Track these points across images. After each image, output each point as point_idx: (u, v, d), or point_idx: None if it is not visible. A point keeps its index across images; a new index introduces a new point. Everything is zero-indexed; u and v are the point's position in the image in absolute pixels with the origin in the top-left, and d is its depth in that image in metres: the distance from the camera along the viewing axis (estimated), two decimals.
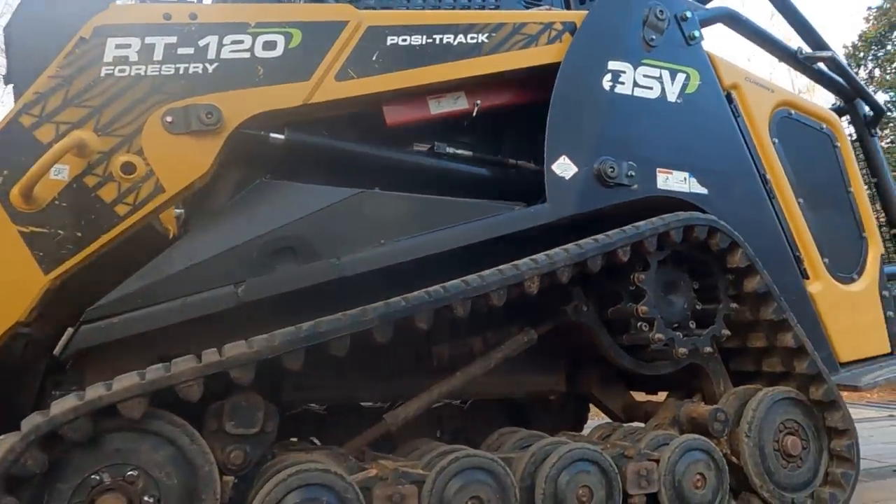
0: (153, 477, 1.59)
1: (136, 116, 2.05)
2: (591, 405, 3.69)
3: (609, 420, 3.02)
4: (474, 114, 2.54)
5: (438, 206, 2.32)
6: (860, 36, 15.28)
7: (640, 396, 3.07)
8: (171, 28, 2.12)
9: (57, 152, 1.91)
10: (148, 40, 2.09)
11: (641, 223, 2.32)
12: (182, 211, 2.84)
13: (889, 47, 14.72)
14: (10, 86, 2.15)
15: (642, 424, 2.75)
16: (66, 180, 1.98)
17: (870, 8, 15.54)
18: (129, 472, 1.57)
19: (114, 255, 2.06)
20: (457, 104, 2.54)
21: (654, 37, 2.61)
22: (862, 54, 15.06)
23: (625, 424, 2.73)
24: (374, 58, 2.31)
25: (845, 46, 14.99)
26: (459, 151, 2.54)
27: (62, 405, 1.48)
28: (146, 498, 1.58)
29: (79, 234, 1.98)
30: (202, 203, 2.27)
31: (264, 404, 1.77)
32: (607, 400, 2.94)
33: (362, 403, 2.98)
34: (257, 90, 2.17)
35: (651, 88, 2.58)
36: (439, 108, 2.52)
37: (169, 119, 2.07)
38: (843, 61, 3.25)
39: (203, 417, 1.75)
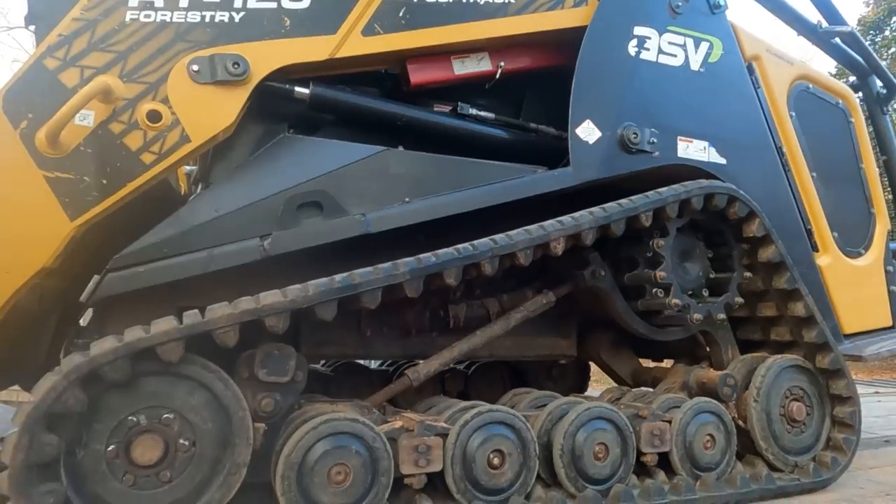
0: (189, 420, 1.61)
1: (161, 64, 2.02)
2: (590, 374, 3.77)
3: (616, 385, 3.08)
4: (497, 76, 2.53)
5: (461, 167, 2.32)
6: (859, 20, 15.28)
7: (646, 364, 3.13)
8: None
9: (83, 97, 1.88)
10: None
11: (663, 189, 2.34)
12: (194, 168, 2.82)
13: (887, 32, 14.73)
14: (32, 28, 2.09)
15: (650, 389, 2.81)
16: (92, 126, 1.95)
17: None
18: (166, 415, 1.59)
19: (130, 210, 2.05)
20: (480, 65, 2.52)
21: (679, 4, 2.59)
22: None
23: (633, 389, 2.79)
24: (400, 14, 2.27)
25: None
26: (482, 113, 2.54)
27: (102, 346, 1.49)
28: (182, 441, 1.60)
29: (104, 182, 1.96)
30: (224, 156, 2.25)
31: (295, 354, 1.79)
32: (616, 365, 3.00)
33: (374, 363, 3.02)
34: (283, 42, 2.13)
35: (675, 56, 2.57)
36: (463, 68, 2.50)
37: (195, 68, 2.03)
38: (860, 37, 3.26)
39: (234, 365, 1.77)
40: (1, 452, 1.38)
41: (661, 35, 2.55)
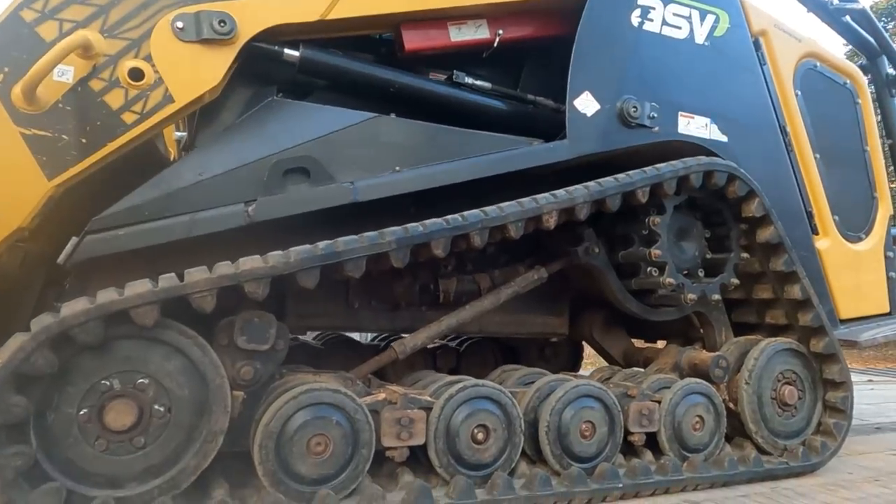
0: (164, 386, 1.57)
1: (144, 19, 1.94)
2: (583, 354, 3.74)
3: (607, 364, 3.05)
4: (495, 44, 2.45)
5: (455, 137, 2.25)
6: (871, 7, 15.02)
7: (638, 344, 3.10)
8: None
9: (61, 51, 1.80)
10: None
11: (662, 165, 2.28)
12: (184, 134, 2.74)
13: None
14: None
15: (641, 369, 2.78)
16: (71, 83, 1.88)
17: None
18: (140, 380, 1.55)
19: (114, 175, 1.98)
20: (478, 33, 2.44)
21: None
22: None
23: (624, 369, 2.76)
24: None
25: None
26: (478, 83, 2.46)
27: (73, 307, 1.44)
28: (157, 406, 1.56)
29: (83, 141, 1.89)
30: (211, 119, 2.18)
31: (276, 322, 1.74)
32: (608, 345, 2.96)
33: (368, 337, 2.98)
34: (273, 0, 2.05)
35: (679, 28, 2.49)
36: (460, 35, 2.41)
37: (179, 25, 1.95)
38: (872, 15, 3.16)
39: (213, 331, 1.72)
40: None
41: (665, 5, 2.47)
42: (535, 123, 2.51)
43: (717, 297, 2.42)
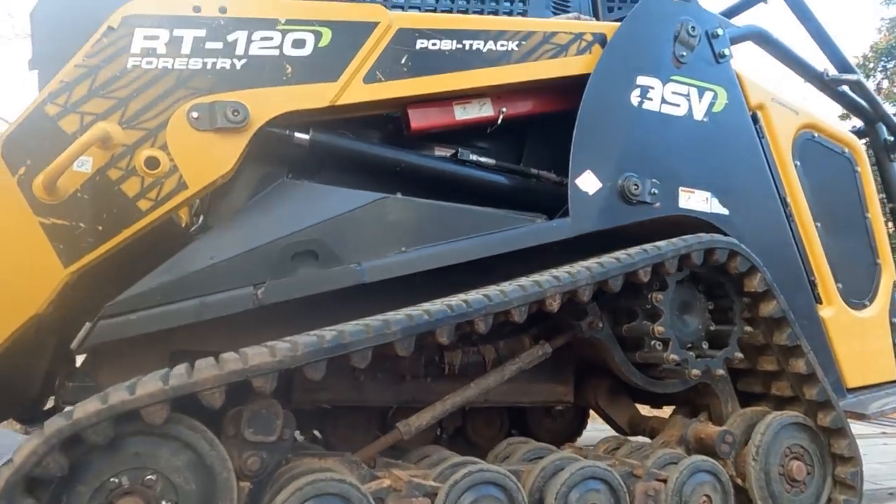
0: (172, 482, 1.59)
1: (161, 110, 2.02)
2: (589, 412, 3.73)
3: (614, 432, 3.03)
4: (499, 121, 2.52)
5: (460, 215, 2.31)
6: (871, 47, 15.26)
7: (644, 409, 3.09)
8: (201, 21, 2.08)
9: (82, 144, 1.89)
10: (176, 32, 2.06)
11: (662, 243, 2.31)
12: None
13: None
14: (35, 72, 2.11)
15: (647, 439, 2.77)
16: (89, 173, 1.96)
17: (883, 19, 15.50)
18: (148, 477, 1.57)
19: (130, 246, 2.04)
20: (482, 111, 2.52)
21: (684, 53, 2.58)
22: (872, 65, 15.06)
23: (631, 438, 2.74)
24: (402, 61, 2.28)
25: (856, 57, 14.96)
26: (482, 159, 2.53)
27: (85, 408, 1.47)
28: (164, 502, 1.57)
29: (100, 228, 1.96)
30: (222, 199, 2.24)
31: (283, 412, 1.77)
32: (613, 413, 2.95)
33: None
34: (285, 89, 2.14)
35: (678, 105, 2.56)
36: (465, 114, 2.50)
37: (195, 115, 2.04)
38: (868, 85, 3.23)
39: (221, 423, 1.75)
40: None
41: (664, 85, 2.54)
42: (539, 197, 2.57)
43: (721, 372, 2.42)
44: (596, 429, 4.05)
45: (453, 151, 2.54)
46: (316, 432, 3.05)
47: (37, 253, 1.89)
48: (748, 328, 2.50)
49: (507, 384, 2.55)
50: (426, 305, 1.95)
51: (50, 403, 2.88)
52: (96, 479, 1.52)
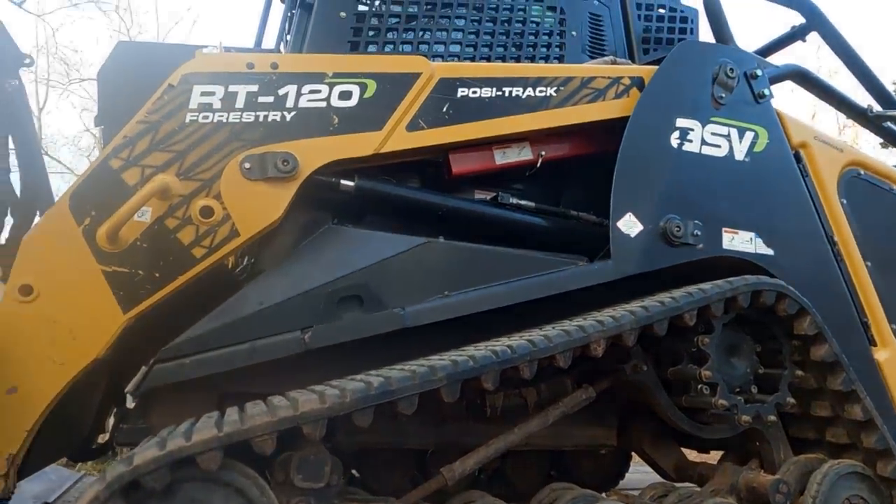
0: None
1: (216, 162, 2.12)
2: (631, 456, 3.64)
3: (657, 475, 2.95)
4: (538, 165, 2.56)
5: (501, 258, 2.33)
6: None
7: (691, 454, 3.00)
8: (254, 77, 2.19)
9: (143, 196, 1.99)
10: (231, 88, 2.17)
11: (707, 286, 2.28)
12: None
13: None
14: (99, 128, 2.24)
15: (695, 486, 2.68)
16: (149, 222, 2.05)
17: None
18: None
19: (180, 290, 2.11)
20: (521, 155, 2.56)
21: (723, 94, 2.59)
22: None
23: (678, 485, 2.66)
24: (444, 109, 2.35)
25: (894, 83, 14.65)
26: (522, 202, 2.56)
27: (144, 455, 1.52)
28: None
29: (157, 275, 2.04)
30: (270, 244, 2.31)
31: (331, 458, 1.78)
32: (659, 457, 2.88)
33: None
34: (332, 139, 2.22)
35: (719, 147, 2.56)
36: (504, 158, 2.54)
37: (247, 165, 2.13)
38: None
39: (269, 468, 1.77)
40: None
41: (704, 126, 2.55)
42: (579, 239, 2.57)
43: (772, 418, 2.35)
44: (638, 470, 3.94)
45: (494, 195, 2.57)
46: (354, 472, 3.05)
47: (98, 299, 1.98)
48: (799, 372, 2.43)
49: (549, 428, 2.53)
50: (471, 350, 1.96)
51: (99, 440, 2.97)
52: None
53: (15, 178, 2.62)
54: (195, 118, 2.12)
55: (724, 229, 2.49)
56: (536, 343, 1.97)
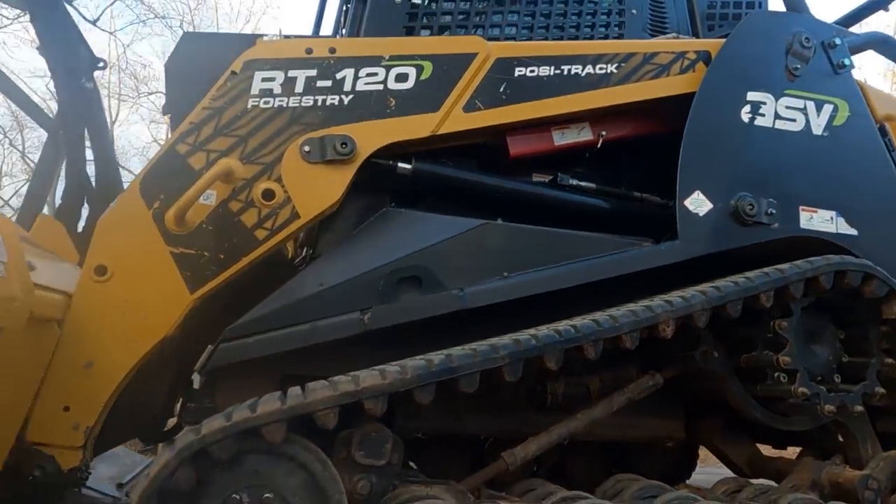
0: (287, 501, 1.62)
1: (277, 146, 2.16)
2: (699, 452, 3.47)
3: (732, 474, 2.79)
4: (598, 145, 2.48)
5: (563, 240, 2.27)
6: None
7: (765, 450, 2.83)
8: (312, 62, 2.22)
9: (208, 179, 2.04)
10: (291, 73, 2.20)
11: (785, 266, 2.14)
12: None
13: None
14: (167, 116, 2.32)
15: (770, 482, 2.52)
16: (213, 205, 2.10)
17: None
18: (266, 495, 1.61)
19: (241, 276, 2.15)
20: (581, 135, 2.49)
21: (798, 66, 2.44)
22: None
23: (753, 481, 2.51)
24: (501, 89, 2.30)
25: None
26: (582, 183, 2.48)
27: (211, 425, 1.54)
28: None
29: (221, 257, 2.09)
30: (330, 228, 2.33)
31: (392, 436, 1.77)
32: (730, 452, 2.73)
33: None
34: (389, 121, 2.22)
35: (794, 121, 2.41)
36: (563, 139, 2.47)
37: (307, 149, 2.15)
38: None
39: (331, 447, 1.77)
40: None
41: (777, 100, 2.40)
42: (642, 220, 2.48)
43: (859, 408, 2.19)
44: (702, 471, 3.76)
45: (552, 177, 2.51)
46: (411, 464, 3.03)
47: (167, 280, 2.04)
48: (888, 360, 2.25)
49: (613, 418, 2.43)
50: (532, 331, 1.90)
51: (170, 425, 3.06)
52: (220, 494, 1.58)
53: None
54: (256, 103, 2.16)
55: (801, 208, 2.34)
56: (601, 323, 1.90)
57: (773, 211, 2.30)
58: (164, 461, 1.48)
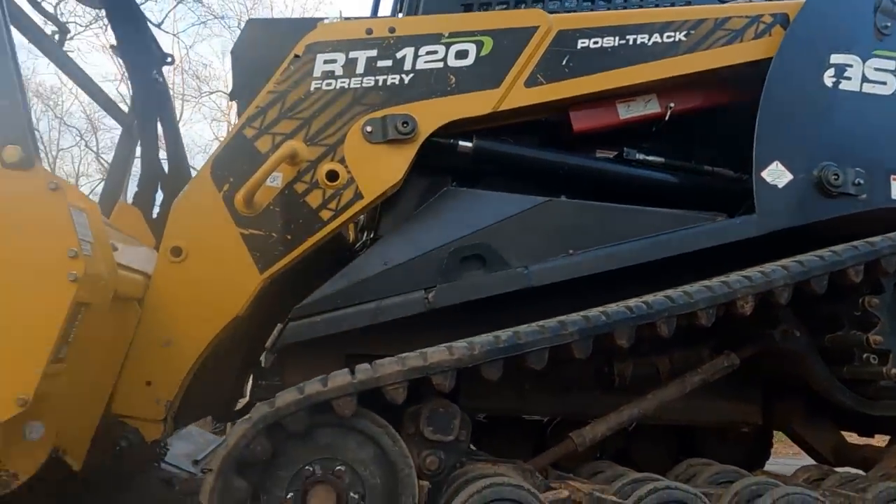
0: (359, 474, 1.65)
1: (339, 127, 2.17)
2: (772, 440, 3.31)
3: (814, 462, 2.65)
4: (666, 118, 2.38)
5: (631, 216, 2.20)
6: None
7: (851, 438, 2.67)
8: (372, 42, 2.21)
9: (275, 161, 2.07)
10: (352, 55, 2.20)
11: (876, 239, 2.00)
12: (361, 216, 2.98)
13: None
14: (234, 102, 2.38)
15: (858, 471, 2.38)
16: (280, 187, 2.14)
17: None
18: (338, 467, 1.64)
19: (305, 258, 2.19)
20: (647, 108, 2.39)
21: (888, 24, 2.25)
22: None
23: (837, 469, 2.37)
24: (563, 62, 2.24)
25: None
26: (650, 158, 2.39)
27: (285, 398, 1.58)
28: (352, 494, 1.63)
29: (289, 237, 2.13)
30: (392, 208, 2.34)
31: (459, 412, 1.76)
32: (813, 439, 2.59)
33: (530, 417, 2.91)
34: (449, 99, 2.19)
35: (884, 83, 2.24)
36: (629, 112, 2.38)
37: (368, 129, 2.16)
38: None
39: (397, 420, 1.78)
40: (200, 495, 1.50)
41: (864, 61, 2.24)
42: (714, 195, 2.36)
43: None
44: (776, 461, 3.59)
45: (617, 152, 2.43)
46: (472, 447, 3.02)
47: (238, 260, 2.09)
48: None
49: (685, 400, 2.35)
50: (601, 308, 1.85)
51: (240, 405, 3.18)
52: (294, 465, 1.62)
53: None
54: (319, 85, 2.18)
55: (893, 177, 2.18)
56: (675, 299, 1.82)
57: (861, 181, 2.15)
58: (242, 431, 1.53)
